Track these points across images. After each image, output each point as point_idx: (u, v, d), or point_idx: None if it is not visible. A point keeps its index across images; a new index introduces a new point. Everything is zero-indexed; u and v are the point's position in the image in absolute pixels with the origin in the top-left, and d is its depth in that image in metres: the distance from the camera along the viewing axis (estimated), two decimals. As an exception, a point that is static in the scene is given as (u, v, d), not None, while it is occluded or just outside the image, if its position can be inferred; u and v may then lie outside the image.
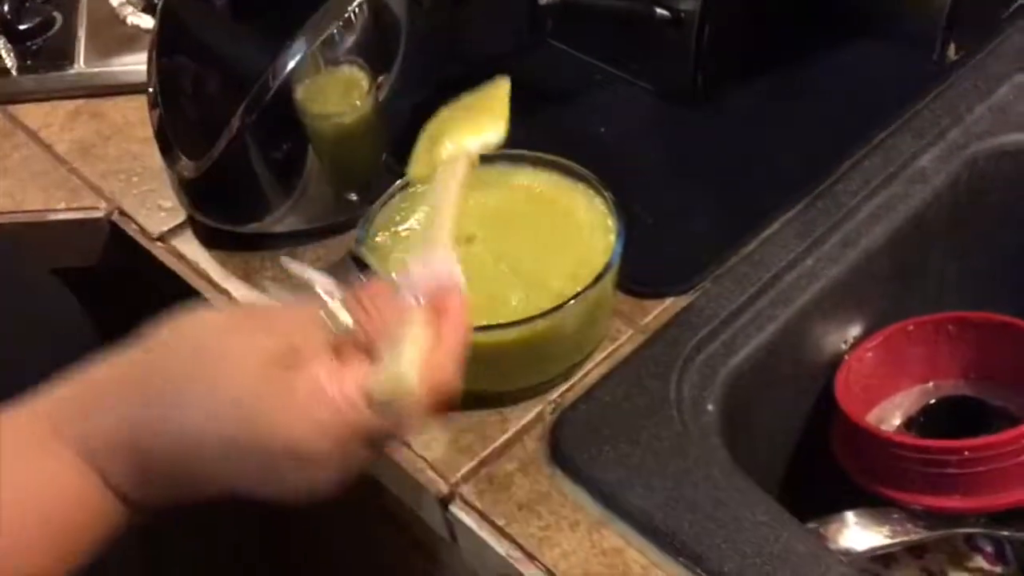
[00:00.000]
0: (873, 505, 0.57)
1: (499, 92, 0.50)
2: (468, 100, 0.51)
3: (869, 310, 0.60)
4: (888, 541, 0.56)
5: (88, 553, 0.40)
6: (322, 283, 0.42)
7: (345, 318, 0.40)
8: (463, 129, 0.49)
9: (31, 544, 0.38)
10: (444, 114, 0.50)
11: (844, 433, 0.59)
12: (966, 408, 0.60)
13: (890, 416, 0.62)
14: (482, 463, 0.50)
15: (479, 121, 0.49)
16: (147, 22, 0.75)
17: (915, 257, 0.61)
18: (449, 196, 0.46)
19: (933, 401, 0.61)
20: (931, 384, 0.62)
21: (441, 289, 0.41)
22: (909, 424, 0.61)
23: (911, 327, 0.61)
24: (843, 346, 0.60)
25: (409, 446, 0.51)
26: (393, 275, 0.42)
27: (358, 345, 0.40)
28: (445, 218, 0.45)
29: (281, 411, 0.38)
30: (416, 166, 0.49)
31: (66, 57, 0.74)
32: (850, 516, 0.56)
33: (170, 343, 0.40)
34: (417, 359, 0.39)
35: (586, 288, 0.49)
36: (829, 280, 0.57)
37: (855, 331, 0.61)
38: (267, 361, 0.38)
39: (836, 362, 0.60)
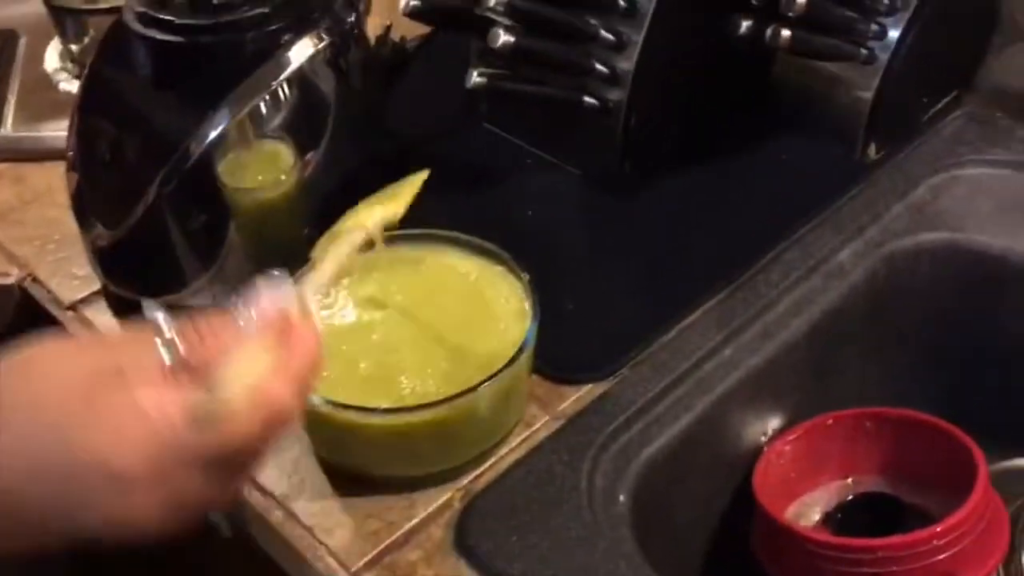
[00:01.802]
0: (789, 603, 0.56)
1: (414, 180, 0.51)
2: (385, 190, 0.52)
3: (788, 403, 0.60)
4: (804, 641, 0.55)
5: None
6: (163, 317, 0.40)
7: (177, 344, 0.39)
8: (366, 210, 0.49)
9: None
10: (359, 206, 0.51)
11: (762, 528, 0.58)
12: (883, 505, 0.60)
13: (808, 511, 0.61)
14: (385, 551, 0.49)
15: (384, 203, 0.49)
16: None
17: (833, 351, 0.61)
18: (336, 255, 0.46)
19: (851, 497, 0.61)
20: (850, 480, 0.62)
21: (285, 315, 0.40)
22: (827, 520, 0.61)
23: (830, 421, 0.61)
24: (762, 438, 0.60)
25: (311, 532, 0.50)
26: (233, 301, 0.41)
27: (191, 371, 0.38)
28: (323, 269, 0.45)
29: (95, 429, 0.36)
30: (317, 248, 0.49)
31: (-8, 119, 0.73)
32: (766, 614, 0.55)
33: (8, 365, 0.38)
34: (244, 380, 0.37)
35: (499, 371, 0.48)
36: (748, 370, 0.57)
37: (774, 423, 0.60)
38: (90, 382, 0.37)
39: (754, 454, 0.59)
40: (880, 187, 0.66)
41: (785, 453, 0.60)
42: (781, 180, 0.67)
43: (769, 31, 0.61)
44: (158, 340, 0.39)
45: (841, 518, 0.60)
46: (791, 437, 0.60)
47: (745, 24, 0.62)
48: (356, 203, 0.59)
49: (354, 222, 0.49)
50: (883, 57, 0.65)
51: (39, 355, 0.39)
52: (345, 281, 0.54)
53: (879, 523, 0.58)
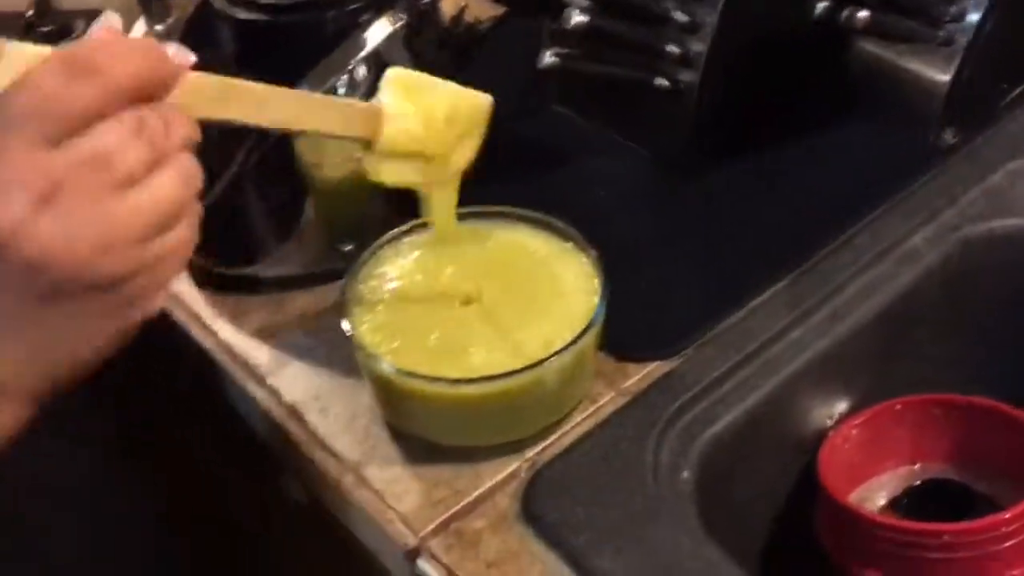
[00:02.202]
0: (852, 586, 0.56)
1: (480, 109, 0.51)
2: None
3: (855, 386, 0.60)
4: (866, 624, 0.55)
5: None
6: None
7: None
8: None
9: None
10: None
11: (825, 510, 0.58)
12: (951, 492, 0.59)
13: (874, 496, 0.61)
14: (452, 518, 0.50)
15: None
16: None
17: (903, 336, 0.61)
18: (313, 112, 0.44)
19: (918, 483, 0.61)
20: (917, 466, 0.61)
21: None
22: (893, 505, 0.60)
23: (898, 406, 0.60)
24: (828, 422, 0.60)
25: (382, 497, 0.51)
26: None
27: None
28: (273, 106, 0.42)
29: None
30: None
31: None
32: (827, 595, 0.55)
33: None
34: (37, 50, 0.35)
35: (567, 346, 0.49)
36: (816, 353, 0.57)
37: (841, 407, 0.60)
38: None
39: (820, 437, 0.59)
40: (956, 172, 0.65)
41: (851, 437, 0.60)
42: (854, 164, 0.66)
43: (845, 12, 0.61)
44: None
45: (907, 503, 0.60)
46: (858, 421, 0.60)
47: (821, 5, 0.62)
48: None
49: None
50: (961, 40, 0.64)
51: None
52: (416, 254, 0.55)
53: (946, 510, 0.58)
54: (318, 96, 0.46)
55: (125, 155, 0.36)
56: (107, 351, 0.39)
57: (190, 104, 0.39)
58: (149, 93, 0.37)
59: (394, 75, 0.48)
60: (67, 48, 0.36)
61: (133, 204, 0.36)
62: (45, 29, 0.71)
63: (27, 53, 0.35)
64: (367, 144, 0.47)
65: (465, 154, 0.51)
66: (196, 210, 0.40)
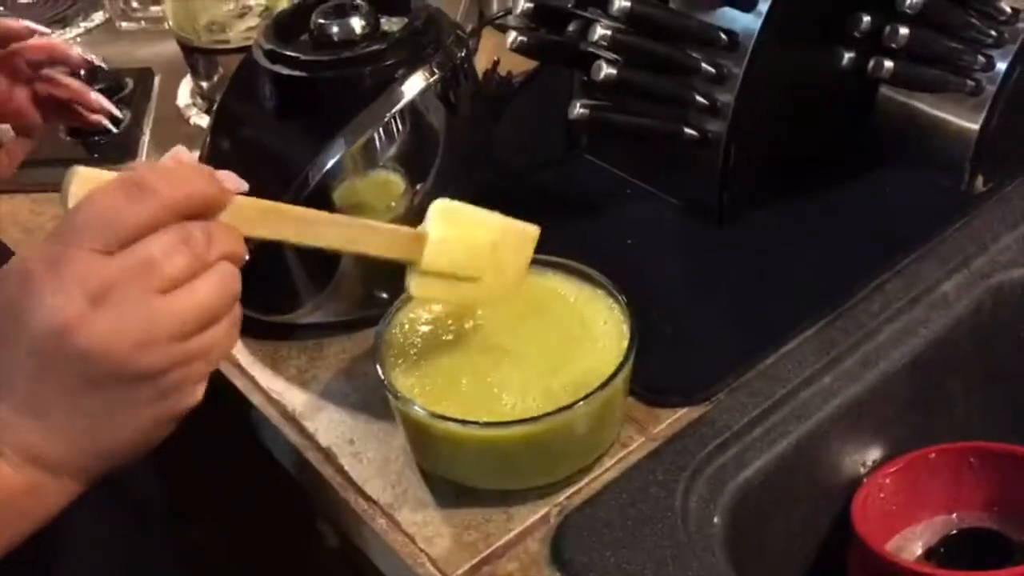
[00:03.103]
0: (889, 636, 0.55)
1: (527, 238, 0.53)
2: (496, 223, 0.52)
3: (889, 434, 0.60)
4: (903, 675, 0.54)
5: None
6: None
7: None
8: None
9: None
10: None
11: (860, 559, 0.57)
12: (988, 541, 0.59)
13: (910, 546, 0.60)
14: (483, 561, 0.50)
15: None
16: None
17: (937, 383, 0.60)
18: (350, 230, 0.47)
19: (955, 532, 0.60)
20: (953, 515, 0.60)
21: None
22: (929, 555, 0.59)
23: (933, 455, 0.60)
24: (861, 469, 0.59)
25: (413, 540, 0.52)
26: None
27: None
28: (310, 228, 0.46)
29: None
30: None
31: (129, 153, 0.79)
32: (863, 645, 0.54)
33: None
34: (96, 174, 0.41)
35: (596, 390, 0.50)
36: (847, 399, 0.57)
37: (874, 455, 0.60)
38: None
39: (853, 485, 0.59)
40: (987, 219, 0.65)
41: (886, 485, 0.59)
42: (884, 212, 0.67)
43: (872, 63, 0.61)
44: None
45: (944, 553, 0.59)
46: (892, 469, 0.59)
47: (848, 56, 0.63)
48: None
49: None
50: (990, 89, 0.64)
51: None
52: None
53: (984, 559, 0.57)
54: (363, 221, 0.49)
55: (171, 262, 0.41)
56: (155, 436, 0.43)
57: (238, 224, 0.44)
58: (199, 212, 0.42)
59: (440, 205, 0.51)
60: (130, 169, 0.42)
61: (175, 305, 0.41)
62: (99, 87, 0.74)
63: (93, 175, 0.41)
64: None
65: (513, 278, 0.52)
66: (236, 313, 0.44)
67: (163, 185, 0.41)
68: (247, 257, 0.44)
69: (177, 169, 0.42)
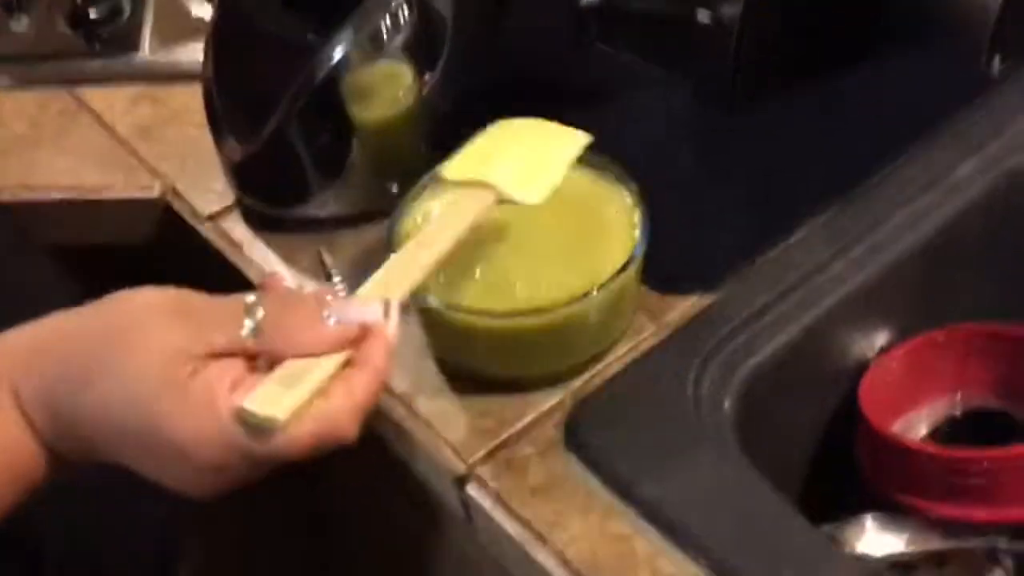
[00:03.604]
0: (894, 512, 0.57)
1: (570, 149, 0.53)
2: (540, 135, 0.53)
3: (897, 318, 0.60)
4: (906, 549, 0.56)
5: (14, 503, 0.43)
6: (255, 298, 0.43)
7: (263, 329, 0.42)
8: (512, 168, 0.51)
9: None
10: (507, 132, 0.53)
11: (866, 440, 0.59)
12: (993, 421, 0.60)
13: (915, 427, 0.61)
14: (500, 446, 0.52)
15: (532, 172, 0.51)
16: (210, 13, 0.78)
17: (947, 268, 0.61)
18: (448, 232, 0.48)
19: (959, 413, 0.61)
20: (958, 396, 0.62)
21: (368, 334, 0.43)
22: (934, 435, 0.61)
23: (940, 338, 0.61)
24: (869, 354, 0.60)
25: (432, 427, 0.53)
26: (327, 299, 0.44)
27: (270, 351, 0.42)
28: (427, 257, 0.47)
29: (173, 413, 0.41)
30: (452, 168, 0.51)
31: (132, 44, 0.77)
32: (868, 521, 0.56)
33: (107, 320, 0.43)
34: (299, 395, 0.41)
35: (610, 279, 0.50)
36: (856, 285, 0.57)
37: (881, 339, 0.61)
38: (176, 360, 0.41)
39: (860, 369, 0.60)
40: (1004, 101, 0.64)
41: (893, 368, 0.60)
42: (899, 95, 0.66)
43: (891, -60, 0.60)
44: (246, 319, 0.42)
45: (948, 433, 0.60)
46: (899, 352, 0.60)
47: (866, -66, 0.61)
48: (470, 124, 0.62)
49: (481, 173, 0.51)
50: (1012, -34, 0.62)
51: (135, 316, 0.43)
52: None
53: (988, 439, 0.58)
54: (440, 218, 0.51)
55: None
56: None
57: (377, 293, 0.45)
58: None
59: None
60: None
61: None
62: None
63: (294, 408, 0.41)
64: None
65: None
66: None
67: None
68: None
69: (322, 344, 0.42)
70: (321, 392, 0.41)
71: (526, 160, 0.51)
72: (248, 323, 0.42)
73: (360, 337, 0.43)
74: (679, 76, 0.68)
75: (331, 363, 0.42)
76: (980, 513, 0.54)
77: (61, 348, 0.43)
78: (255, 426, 0.40)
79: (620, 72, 0.70)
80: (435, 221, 0.51)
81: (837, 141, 0.64)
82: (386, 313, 0.43)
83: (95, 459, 0.44)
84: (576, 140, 0.53)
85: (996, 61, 0.65)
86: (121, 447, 0.42)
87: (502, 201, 0.50)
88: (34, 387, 0.42)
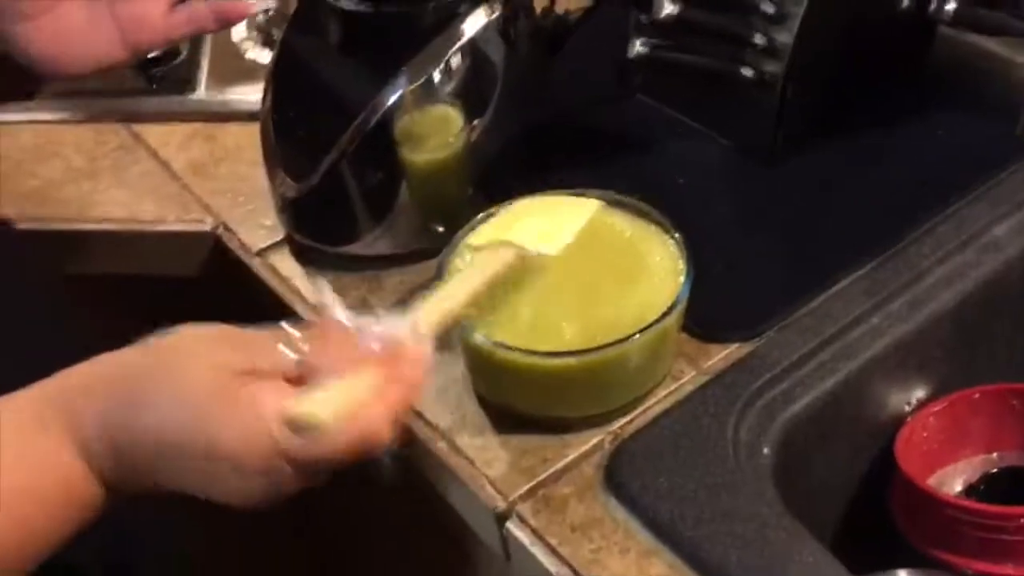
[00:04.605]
0: (927, 567, 0.57)
1: (582, 211, 0.56)
2: (555, 205, 0.57)
3: (934, 374, 0.61)
4: (939, 604, 0.56)
5: (67, 536, 0.44)
6: (289, 325, 0.46)
7: (301, 347, 0.45)
8: (522, 222, 0.55)
9: (26, 520, 0.43)
10: (525, 205, 0.57)
11: (902, 493, 0.59)
12: (1028, 480, 0.60)
13: (950, 482, 0.62)
14: (540, 484, 0.52)
15: (549, 232, 0.55)
16: (264, 57, 0.80)
17: (984, 325, 0.61)
18: (473, 279, 0.51)
19: (995, 471, 0.61)
20: (995, 455, 0.62)
21: (400, 349, 0.45)
22: (969, 491, 0.61)
23: (977, 395, 0.61)
24: (905, 408, 0.61)
25: (472, 463, 0.54)
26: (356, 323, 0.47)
27: (309, 371, 0.45)
28: (454, 296, 0.50)
29: (229, 429, 0.43)
30: (478, 236, 0.56)
31: (188, 84, 0.80)
32: (902, 574, 0.56)
33: (157, 350, 0.45)
34: (340, 400, 0.43)
35: (653, 323, 0.51)
36: (894, 339, 0.58)
37: (918, 394, 0.61)
38: (224, 374, 0.43)
39: (897, 422, 0.60)
40: (1041, 164, 0.65)
41: (929, 424, 0.61)
42: (937, 155, 0.67)
43: (933, 4, 0.61)
44: (284, 347, 0.45)
45: (984, 490, 0.61)
46: (936, 408, 0.61)
47: (908, -3, 0.63)
48: (517, 169, 0.64)
49: (506, 234, 0.55)
50: (1051, 32, 0.64)
51: (183, 344, 0.45)
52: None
53: (1023, 497, 0.58)
54: (473, 267, 0.54)
55: None
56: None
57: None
58: None
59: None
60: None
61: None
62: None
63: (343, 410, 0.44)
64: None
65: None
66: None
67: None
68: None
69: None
70: (359, 402, 0.44)
71: (543, 223, 0.56)
72: (290, 354, 0.45)
73: (395, 356, 0.46)
74: (720, 130, 0.70)
75: (368, 376, 0.45)
76: (1013, 571, 0.54)
77: (115, 379, 0.45)
78: (301, 428, 0.43)
79: (661, 123, 0.72)
80: (460, 274, 0.54)
81: (876, 196, 0.65)
82: (413, 329, 0.46)
83: (150, 485, 0.45)
84: (588, 206, 0.57)
85: (1033, 124, 0.67)
86: (177, 464, 0.43)
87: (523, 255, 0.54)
88: (92, 419, 0.44)
